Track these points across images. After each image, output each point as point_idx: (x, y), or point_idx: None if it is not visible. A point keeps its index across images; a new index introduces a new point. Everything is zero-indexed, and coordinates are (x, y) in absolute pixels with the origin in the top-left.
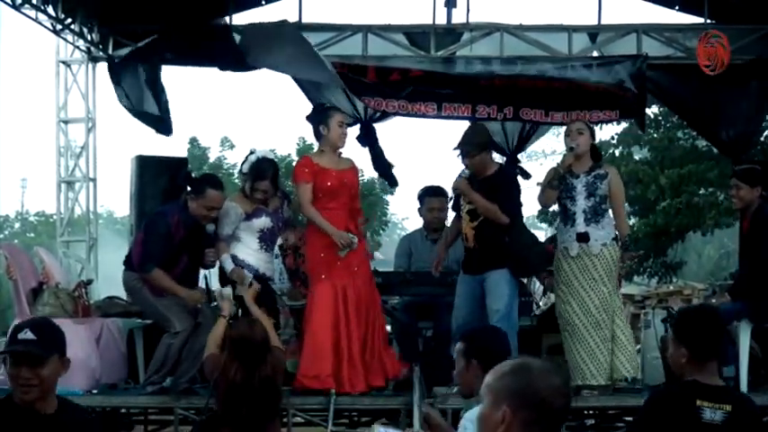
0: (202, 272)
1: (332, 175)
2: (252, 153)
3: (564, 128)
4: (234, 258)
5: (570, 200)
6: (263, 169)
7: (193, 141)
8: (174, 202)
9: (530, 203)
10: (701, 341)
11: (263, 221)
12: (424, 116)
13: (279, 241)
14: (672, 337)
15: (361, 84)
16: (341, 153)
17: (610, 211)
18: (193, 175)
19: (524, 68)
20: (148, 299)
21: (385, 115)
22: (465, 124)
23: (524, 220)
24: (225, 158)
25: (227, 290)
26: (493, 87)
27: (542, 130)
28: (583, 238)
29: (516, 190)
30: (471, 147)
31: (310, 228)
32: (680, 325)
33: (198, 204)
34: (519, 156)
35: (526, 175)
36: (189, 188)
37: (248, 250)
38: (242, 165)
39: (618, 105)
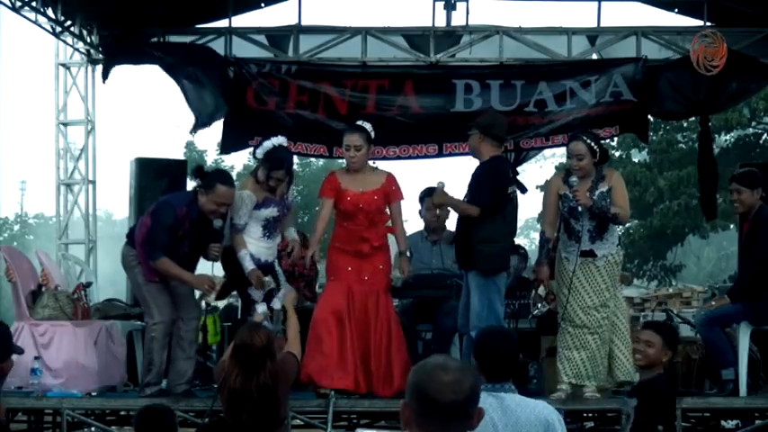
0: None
1: (347, 199)
2: (267, 139)
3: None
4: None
5: (574, 219)
6: (281, 158)
7: (190, 145)
8: (184, 192)
9: (529, 208)
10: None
11: (270, 211)
12: (425, 157)
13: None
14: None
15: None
16: (373, 169)
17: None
18: (205, 169)
19: (524, 92)
20: (138, 280)
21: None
22: (468, 159)
23: (525, 222)
24: (222, 161)
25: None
26: None
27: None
28: (587, 254)
29: (488, 181)
30: (471, 125)
31: (331, 236)
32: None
33: (207, 199)
34: (518, 168)
35: (523, 190)
36: (199, 182)
37: (250, 239)
38: (255, 150)
39: (617, 121)
